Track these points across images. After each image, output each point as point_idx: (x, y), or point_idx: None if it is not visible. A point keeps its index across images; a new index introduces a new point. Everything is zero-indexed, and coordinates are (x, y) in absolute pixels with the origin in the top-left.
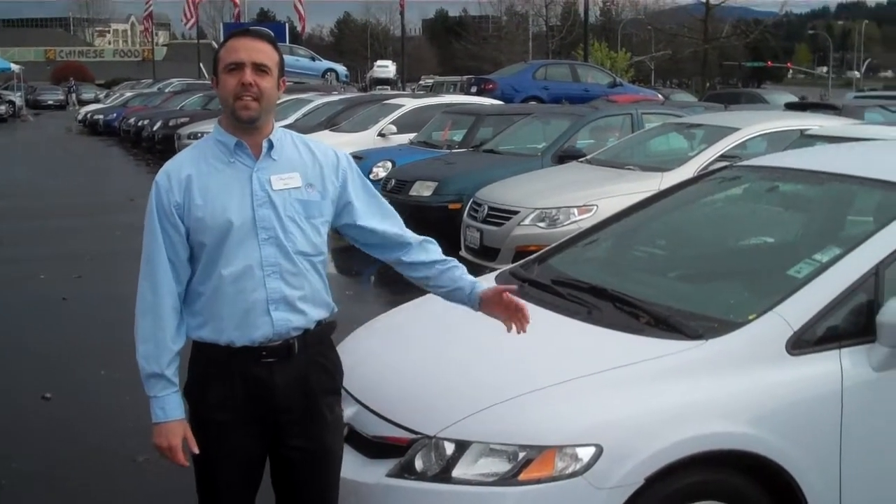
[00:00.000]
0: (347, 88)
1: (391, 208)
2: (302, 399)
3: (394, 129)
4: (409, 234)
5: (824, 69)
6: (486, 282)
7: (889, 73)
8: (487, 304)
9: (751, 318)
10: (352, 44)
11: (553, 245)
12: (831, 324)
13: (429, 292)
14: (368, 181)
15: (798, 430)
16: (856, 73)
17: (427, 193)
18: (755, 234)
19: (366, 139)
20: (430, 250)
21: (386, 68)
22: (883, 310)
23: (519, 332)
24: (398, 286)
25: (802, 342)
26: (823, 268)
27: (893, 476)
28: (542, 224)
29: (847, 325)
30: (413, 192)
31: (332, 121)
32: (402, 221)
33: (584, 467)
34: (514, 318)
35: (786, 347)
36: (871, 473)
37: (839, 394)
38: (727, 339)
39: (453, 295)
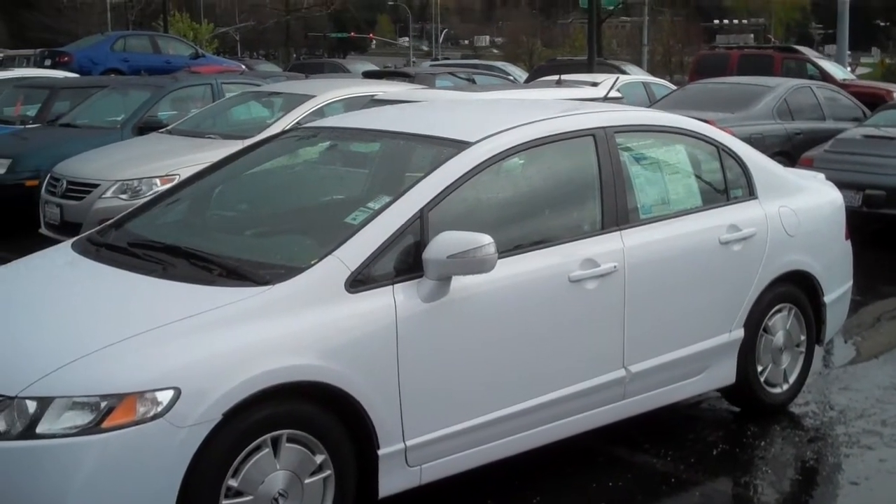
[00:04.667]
0: None
1: None
2: None
3: None
4: None
5: (406, 39)
6: (64, 249)
7: (466, 42)
8: None
9: (313, 262)
10: None
11: (129, 210)
12: (385, 262)
13: None
14: None
15: (360, 358)
16: (423, 44)
17: (1, 171)
18: (321, 189)
19: None
20: None
21: None
22: (427, 248)
23: None
24: None
25: (359, 281)
26: (375, 214)
27: (444, 390)
28: (124, 196)
29: (399, 263)
30: None
31: None
32: None
33: (165, 409)
34: None
35: (345, 286)
36: (426, 389)
37: (394, 324)
38: (292, 283)
39: None
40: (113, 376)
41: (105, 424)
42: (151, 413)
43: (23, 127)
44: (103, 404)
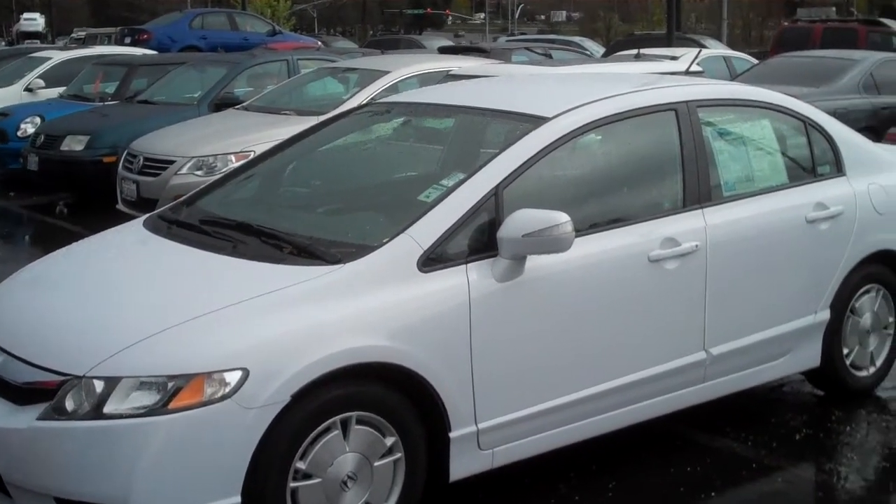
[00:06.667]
0: None
1: None
2: None
3: (41, 83)
4: None
5: (482, 15)
6: (135, 226)
7: (542, 17)
8: None
9: (384, 241)
10: None
11: (201, 187)
12: (458, 241)
13: (72, 242)
14: None
15: (432, 339)
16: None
17: (79, 148)
18: (394, 166)
19: (11, 94)
20: None
21: (34, 21)
22: (502, 226)
23: None
24: (54, 243)
25: (432, 260)
26: (449, 191)
27: (517, 372)
28: (199, 172)
29: (472, 242)
30: (64, 148)
31: None
32: None
33: (233, 390)
34: None
35: (417, 265)
36: (499, 371)
37: (467, 304)
38: (363, 262)
39: None
40: (180, 356)
41: (172, 405)
42: (219, 394)
43: (101, 104)
44: (170, 385)
